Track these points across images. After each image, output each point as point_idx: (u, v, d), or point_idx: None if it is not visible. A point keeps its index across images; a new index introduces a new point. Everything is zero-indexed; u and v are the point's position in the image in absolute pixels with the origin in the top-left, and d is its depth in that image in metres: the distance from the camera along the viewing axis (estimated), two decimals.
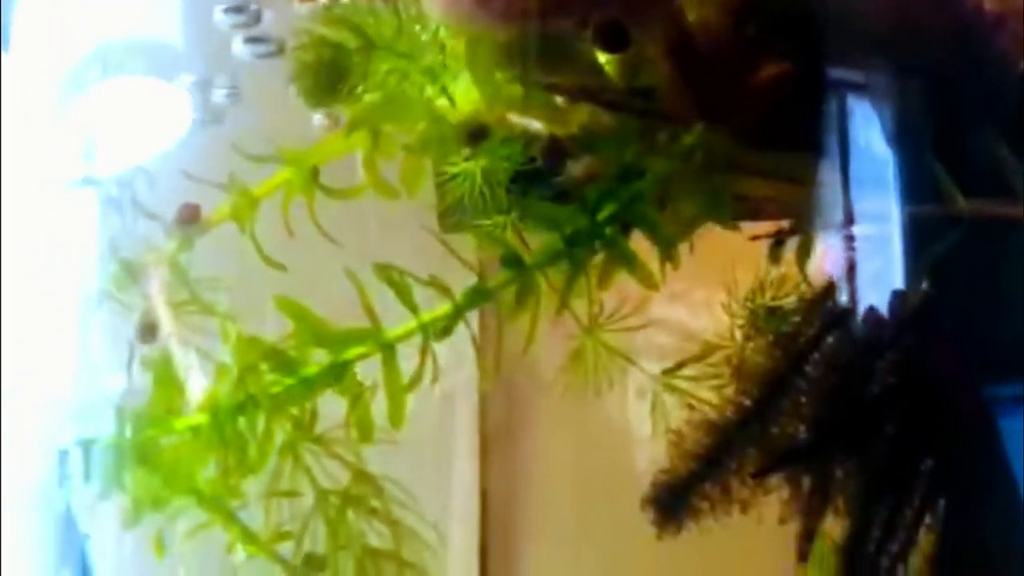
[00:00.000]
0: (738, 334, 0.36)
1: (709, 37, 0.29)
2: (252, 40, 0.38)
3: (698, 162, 0.30)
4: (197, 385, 0.34)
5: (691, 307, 0.37)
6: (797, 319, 0.37)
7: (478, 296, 0.31)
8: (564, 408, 0.36)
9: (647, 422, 0.36)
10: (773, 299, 0.37)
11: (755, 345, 0.36)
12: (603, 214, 0.32)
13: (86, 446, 0.37)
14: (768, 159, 0.32)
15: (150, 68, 0.40)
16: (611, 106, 0.31)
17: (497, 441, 0.38)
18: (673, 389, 0.35)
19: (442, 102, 0.35)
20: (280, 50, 0.38)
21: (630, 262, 0.32)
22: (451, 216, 0.36)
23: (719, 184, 0.31)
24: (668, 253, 0.31)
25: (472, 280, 0.33)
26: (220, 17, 0.36)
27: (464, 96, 0.36)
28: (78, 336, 0.40)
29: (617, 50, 0.30)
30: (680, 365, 0.35)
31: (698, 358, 0.35)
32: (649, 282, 0.31)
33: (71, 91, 0.42)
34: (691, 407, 0.34)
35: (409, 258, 0.35)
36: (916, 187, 0.31)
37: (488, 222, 0.35)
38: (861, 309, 0.35)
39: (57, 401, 0.40)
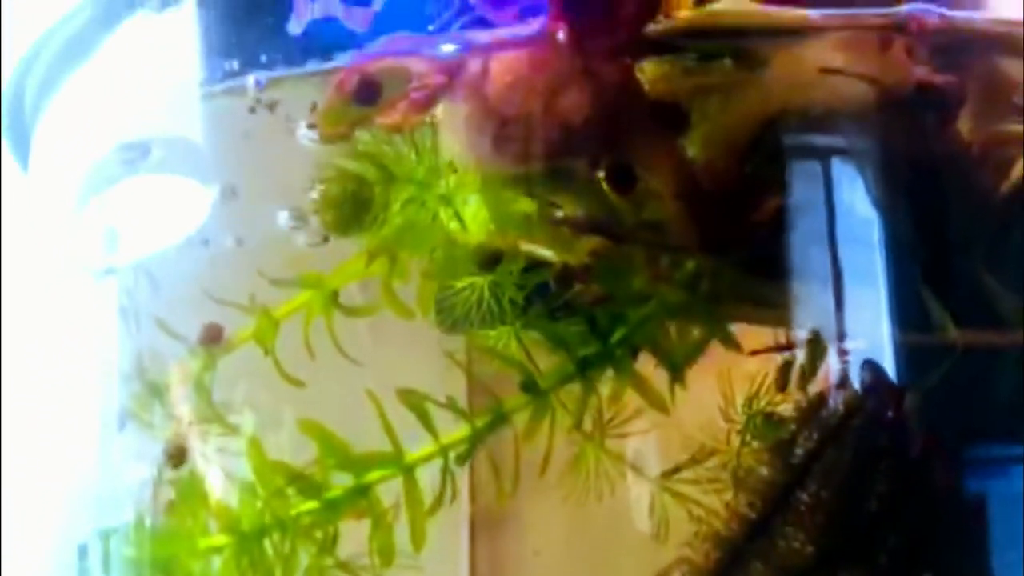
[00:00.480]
0: (735, 439, 0.37)
1: (712, 176, 0.31)
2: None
3: (704, 290, 0.32)
4: (221, 505, 0.35)
5: (689, 412, 0.38)
6: (793, 427, 0.38)
7: (497, 420, 0.33)
8: (562, 510, 0.37)
9: (645, 524, 0.37)
10: (769, 405, 0.38)
11: (752, 452, 0.37)
12: (614, 337, 0.34)
13: (106, 537, 0.38)
14: (767, 287, 0.33)
15: (176, 166, 0.41)
16: (619, 238, 0.33)
17: (491, 546, 0.39)
18: (673, 493, 0.36)
19: (455, 225, 0.37)
20: None
21: (641, 385, 0.33)
22: (454, 325, 0.37)
23: (723, 311, 0.32)
24: (677, 376, 0.32)
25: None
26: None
27: (475, 219, 0.38)
28: (100, 431, 0.41)
29: (625, 190, 0.32)
30: (677, 468, 0.36)
31: (695, 461, 0.36)
32: (659, 405, 0.33)
33: (97, 181, 0.43)
34: (694, 516, 0.36)
35: (409, 372, 0.36)
36: (908, 313, 0.32)
37: (492, 333, 0.37)
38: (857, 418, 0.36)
39: (78, 496, 0.41)
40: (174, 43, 0.42)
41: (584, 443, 0.35)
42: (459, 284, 0.37)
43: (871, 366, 0.36)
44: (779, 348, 0.38)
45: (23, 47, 0.46)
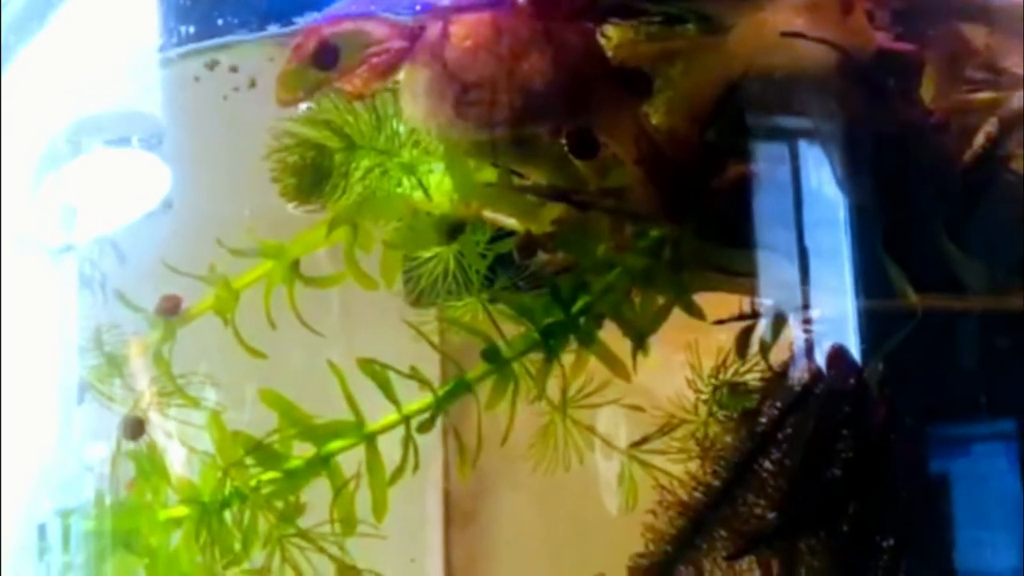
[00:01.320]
0: (702, 409, 0.37)
1: (674, 142, 0.31)
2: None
3: (666, 258, 0.32)
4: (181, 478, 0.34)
5: (657, 382, 0.38)
6: (758, 397, 0.38)
7: (459, 389, 0.32)
8: (531, 481, 0.37)
9: (614, 495, 0.37)
10: (735, 375, 0.38)
11: (719, 421, 0.37)
12: (577, 306, 0.34)
13: (65, 516, 0.37)
14: (729, 255, 0.33)
15: (130, 136, 0.41)
16: (582, 205, 0.32)
17: (464, 520, 0.39)
18: (641, 463, 0.36)
19: (419, 195, 0.37)
20: None
21: (603, 354, 0.33)
22: (420, 296, 0.37)
23: (686, 278, 0.32)
24: (639, 343, 0.32)
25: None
26: None
27: (438, 188, 0.37)
28: (60, 409, 0.40)
29: (588, 156, 0.31)
30: (646, 439, 0.36)
31: (663, 432, 0.36)
32: (622, 373, 0.33)
33: (51, 160, 0.42)
34: (660, 485, 0.35)
35: (380, 343, 0.35)
36: (869, 280, 0.32)
37: (459, 304, 0.36)
38: (819, 389, 0.36)
39: (36, 475, 0.40)
40: (128, 9, 0.41)
41: (552, 414, 0.35)
42: (424, 255, 0.37)
43: (832, 336, 0.36)
44: (743, 317, 0.38)
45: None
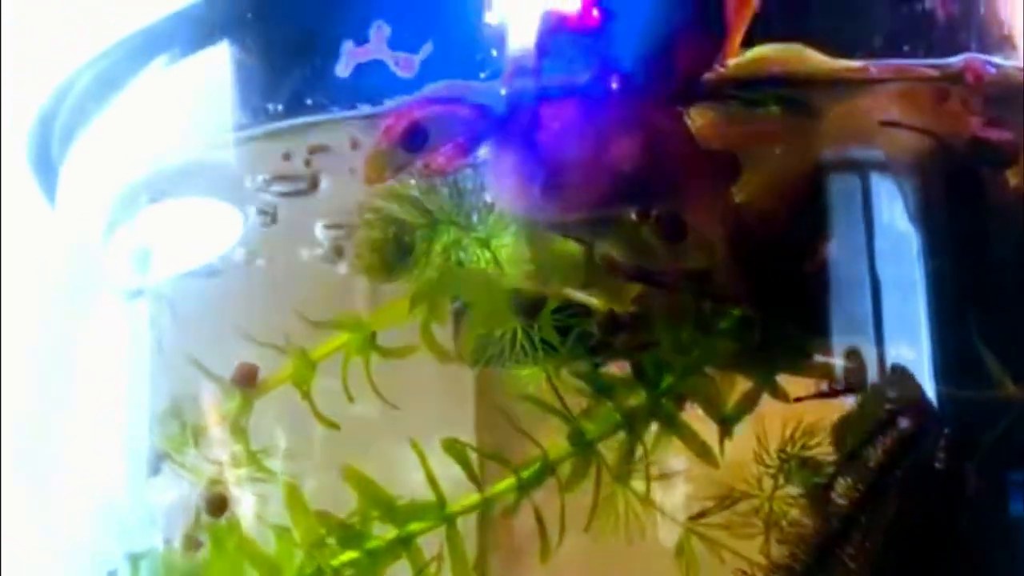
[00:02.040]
0: (767, 483, 0.36)
1: (763, 225, 0.31)
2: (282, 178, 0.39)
3: (754, 341, 0.31)
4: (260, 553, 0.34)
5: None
6: (831, 472, 0.37)
7: (543, 472, 0.32)
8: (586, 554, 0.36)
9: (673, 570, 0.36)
10: (803, 449, 0.37)
11: (786, 495, 0.36)
12: (662, 387, 0.33)
13: (135, 561, 0.37)
14: (815, 338, 0.33)
15: (207, 189, 0.41)
16: (668, 287, 0.32)
17: None
18: (701, 537, 0.35)
19: (496, 270, 0.36)
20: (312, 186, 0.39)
21: (689, 437, 0.33)
22: (487, 363, 0.37)
23: (775, 363, 0.32)
24: (727, 430, 0.32)
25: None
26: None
27: (510, 260, 0.37)
28: (127, 448, 0.40)
29: (678, 239, 0.31)
30: (705, 512, 0.35)
31: (725, 505, 0.35)
32: (709, 458, 0.32)
33: (128, 203, 0.43)
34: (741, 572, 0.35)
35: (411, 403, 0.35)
36: (964, 369, 0.32)
37: (525, 372, 0.36)
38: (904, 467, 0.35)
39: (104, 516, 0.40)
40: (206, 83, 0.41)
41: (612, 486, 0.34)
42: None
43: (918, 411, 0.35)
44: (824, 395, 0.37)
45: (55, 82, 0.46)
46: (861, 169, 0.31)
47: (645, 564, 0.36)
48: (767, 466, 0.36)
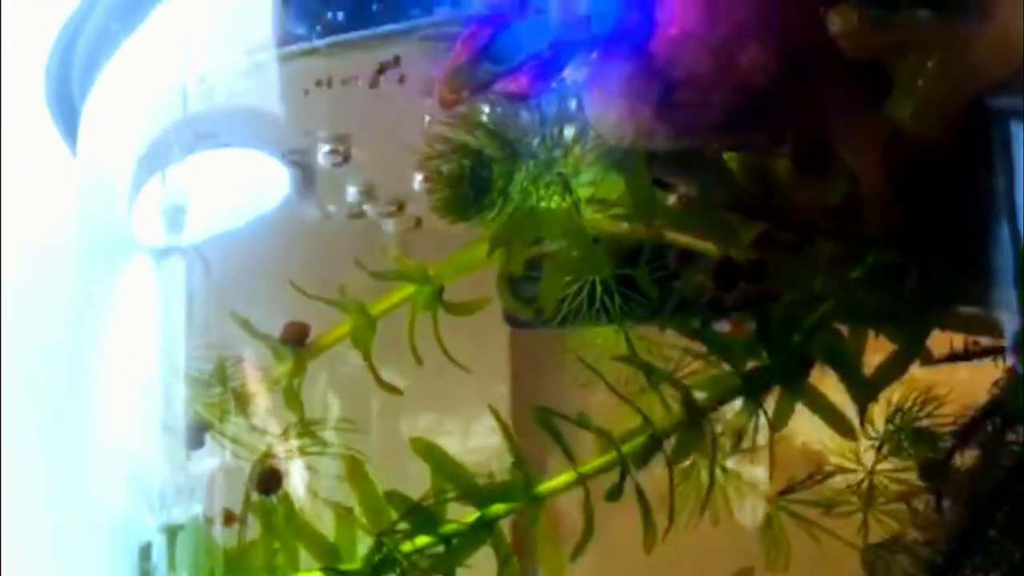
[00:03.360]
0: (867, 457, 0.31)
1: (921, 153, 0.25)
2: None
3: (910, 292, 0.26)
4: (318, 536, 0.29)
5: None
6: (948, 443, 0.32)
7: (651, 448, 0.27)
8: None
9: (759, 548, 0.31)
10: (915, 420, 0.32)
11: (893, 471, 0.32)
12: (787, 347, 0.28)
13: (171, 534, 0.33)
14: (976, 289, 0.27)
15: (246, 138, 0.36)
16: (798, 228, 0.27)
17: None
18: (791, 514, 0.31)
19: (590, 212, 0.31)
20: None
21: (820, 405, 0.28)
22: (564, 320, 0.32)
23: (927, 319, 0.26)
24: (870, 397, 0.27)
25: None
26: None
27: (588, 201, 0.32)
28: (160, 415, 0.36)
29: (815, 170, 0.26)
30: (793, 487, 0.30)
31: (818, 480, 0.30)
32: (846, 431, 0.27)
33: (156, 158, 0.38)
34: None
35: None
36: None
37: (601, 333, 0.31)
38: None
39: (138, 487, 0.36)
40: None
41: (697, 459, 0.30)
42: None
43: None
44: (958, 357, 0.32)
45: (67, 11, 0.41)
46: None
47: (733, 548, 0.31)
48: (871, 438, 0.31)
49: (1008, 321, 0.27)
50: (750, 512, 0.31)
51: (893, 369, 0.26)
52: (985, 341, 0.29)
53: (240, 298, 0.35)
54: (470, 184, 0.30)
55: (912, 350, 0.26)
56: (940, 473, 0.31)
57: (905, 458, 0.31)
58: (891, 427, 0.31)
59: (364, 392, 0.31)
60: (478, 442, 0.31)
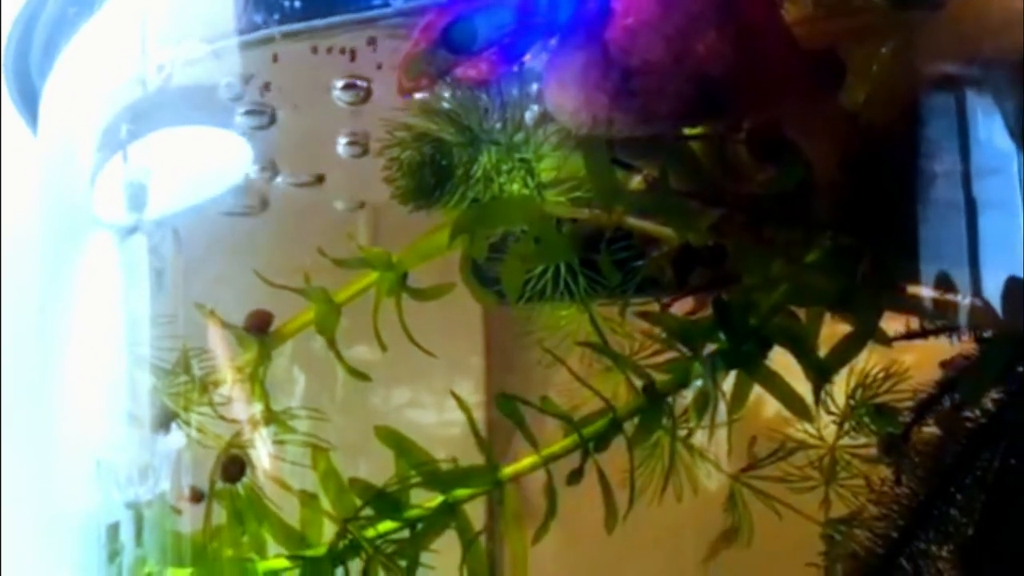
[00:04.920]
0: (827, 433, 0.32)
1: (878, 139, 0.25)
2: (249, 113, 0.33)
3: (862, 276, 0.26)
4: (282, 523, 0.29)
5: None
6: (907, 418, 0.33)
7: (610, 430, 0.27)
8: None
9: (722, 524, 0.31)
10: (874, 396, 0.33)
11: (855, 446, 0.32)
12: (744, 330, 0.28)
13: (137, 509, 0.33)
14: (921, 268, 0.28)
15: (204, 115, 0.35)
16: (753, 213, 0.27)
17: None
18: (754, 490, 0.31)
19: (551, 197, 0.31)
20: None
21: (777, 387, 0.28)
22: (529, 300, 0.32)
23: (881, 300, 0.27)
24: (825, 378, 0.27)
25: None
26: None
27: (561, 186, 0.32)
28: (126, 396, 0.36)
29: (769, 157, 0.26)
30: (755, 464, 0.31)
31: (781, 457, 0.31)
32: (801, 411, 0.27)
33: (116, 136, 0.38)
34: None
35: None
36: None
37: (564, 312, 0.31)
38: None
39: (105, 467, 0.36)
40: None
41: (661, 436, 0.30)
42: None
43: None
44: (915, 335, 0.33)
45: None
46: (992, 73, 0.26)
47: (696, 525, 0.32)
48: (832, 413, 0.31)
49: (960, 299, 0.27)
50: (715, 488, 0.31)
51: (848, 350, 0.27)
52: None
53: (208, 283, 0.34)
54: (431, 172, 0.29)
55: (866, 331, 0.26)
56: (898, 448, 0.32)
57: (867, 434, 0.31)
58: (852, 403, 0.31)
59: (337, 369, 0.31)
60: (453, 416, 0.31)
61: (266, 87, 0.32)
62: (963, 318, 0.29)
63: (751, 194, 0.27)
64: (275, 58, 0.31)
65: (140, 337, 0.35)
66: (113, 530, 0.34)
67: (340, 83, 0.29)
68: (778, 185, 0.26)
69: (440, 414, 0.33)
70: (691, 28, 0.25)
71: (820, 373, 0.26)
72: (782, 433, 0.30)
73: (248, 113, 0.32)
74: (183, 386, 0.31)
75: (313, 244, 0.31)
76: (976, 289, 0.29)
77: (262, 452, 0.30)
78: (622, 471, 0.29)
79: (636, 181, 0.30)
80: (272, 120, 0.32)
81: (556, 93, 0.26)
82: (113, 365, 0.36)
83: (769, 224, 0.27)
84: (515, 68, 0.29)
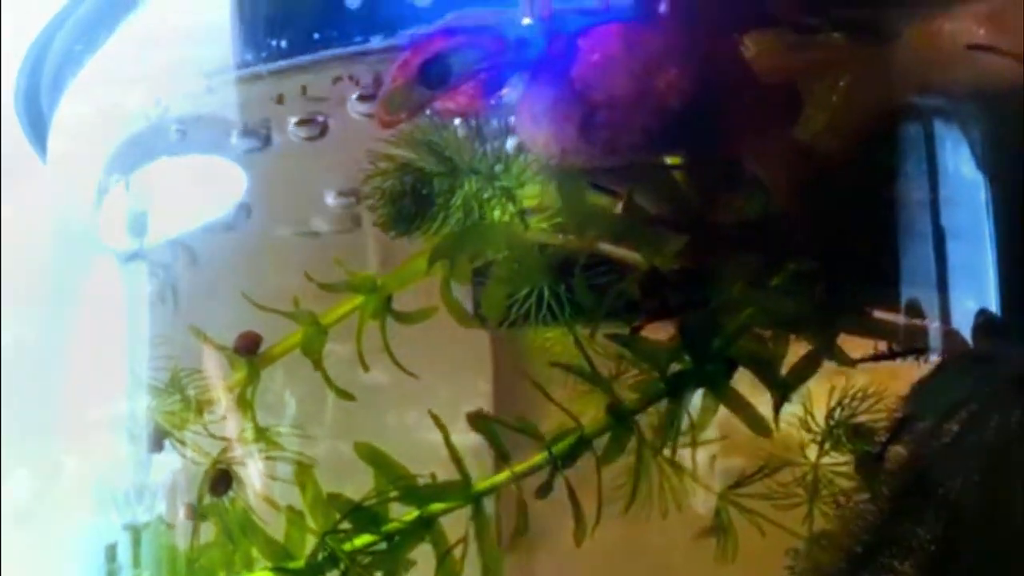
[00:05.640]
0: (810, 452, 0.33)
1: (833, 168, 0.27)
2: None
3: (818, 299, 0.27)
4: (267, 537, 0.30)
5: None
6: (883, 438, 0.34)
7: (578, 447, 0.28)
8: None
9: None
10: (852, 416, 0.34)
11: (834, 464, 0.33)
12: (709, 351, 0.29)
13: (135, 533, 0.34)
14: (881, 293, 0.29)
15: (207, 143, 0.37)
16: (716, 239, 0.28)
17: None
18: (740, 508, 0.32)
19: (525, 225, 0.33)
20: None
21: (739, 406, 0.29)
22: (512, 324, 0.33)
23: (837, 323, 0.28)
24: (784, 397, 0.28)
25: None
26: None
27: (539, 212, 0.33)
28: (126, 418, 0.37)
29: (729, 187, 0.27)
30: (741, 481, 0.31)
31: (765, 475, 0.32)
32: (760, 429, 0.28)
33: (120, 163, 0.39)
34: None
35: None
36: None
37: (550, 334, 0.32)
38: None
39: (103, 489, 0.37)
40: (203, 21, 0.37)
41: (649, 459, 0.31)
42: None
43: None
44: (882, 357, 0.34)
45: (36, 29, 0.42)
46: (944, 103, 0.27)
47: (680, 542, 0.32)
48: (812, 432, 0.32)
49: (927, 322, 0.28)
50: (701, 506, 0.32)
51: (805, 369, 0.28)
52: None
53: (204, 306, 0.36)
54: (412, 200, 0.31)
55: (822, 351, 0.27)
56: (869, 466, 0.32)
57: (844, 453, 0.32)
58: (832, 423, 0.32)
59: (347, 389, 0.32)
60: (460, 439, 0.32)
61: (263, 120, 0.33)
62: (930, 341, 0.31)
63: (716, 221, 0.28)
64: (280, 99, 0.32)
65: (139, 357, 0.37)
66: (111, 551, 0.35)
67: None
68: (740, 213, 0.28)
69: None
70: (654, 64, 0.26)
71: (780, 391, 0.27)
72: (766, 451, 0.31)
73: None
74: (176, 405, 0.32)
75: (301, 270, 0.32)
76: (943, 313, 0.30)
77: (252, 470, 0.32)
78: (609, 486, 0.30)
79: (619, 207, 0.31)
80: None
81: (528, 126, 0.27)
82: (113, 388, 0.38)
83: (733, 250, 0.28)
84: (493, 100, 0.31)
